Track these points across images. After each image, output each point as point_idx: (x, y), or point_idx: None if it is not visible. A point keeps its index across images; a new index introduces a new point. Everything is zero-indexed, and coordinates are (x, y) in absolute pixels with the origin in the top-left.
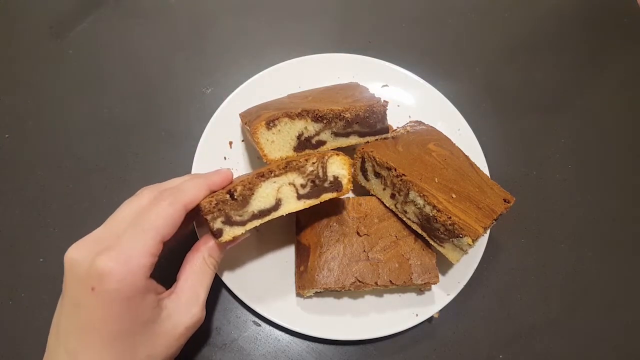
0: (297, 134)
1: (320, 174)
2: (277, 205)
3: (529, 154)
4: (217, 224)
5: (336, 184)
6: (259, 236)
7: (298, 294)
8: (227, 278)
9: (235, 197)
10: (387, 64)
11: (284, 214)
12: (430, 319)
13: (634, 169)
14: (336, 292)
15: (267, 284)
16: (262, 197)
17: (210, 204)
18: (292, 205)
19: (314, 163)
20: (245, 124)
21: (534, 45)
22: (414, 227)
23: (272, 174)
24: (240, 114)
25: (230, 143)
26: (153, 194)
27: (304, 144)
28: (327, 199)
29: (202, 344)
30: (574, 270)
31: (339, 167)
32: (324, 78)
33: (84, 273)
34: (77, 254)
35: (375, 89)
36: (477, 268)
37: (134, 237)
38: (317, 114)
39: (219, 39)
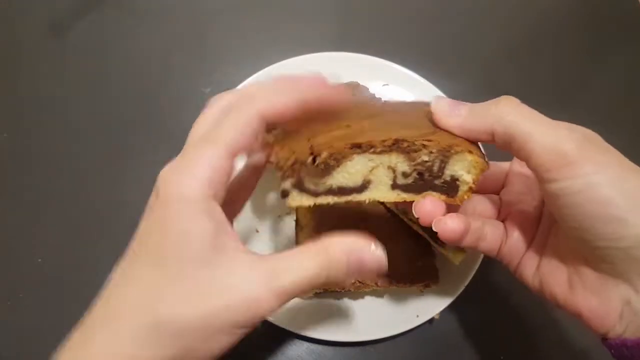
0: None
1: (436, 168)
2: (363, 187)
3: None
4: (286, 184)
5: (450, 187)
6: (257, 236)
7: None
8: None
9: (317, 163)
10: (388, 62)
11: (367, 201)
12: (431, 320)
13: None
14: (336, 293)
15: None
16: (349, 172)
17: (287, 160)
18: (381, 193)
19: (432, 153)
20: None
21: (534, 44)
22: (415, 227)
23: (372, 150)
24: None
25: None
26: (225, 101)
27: None
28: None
29: None
30: None
31: (464, 169)
32: None
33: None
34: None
35: (376, 88)
36: (478, 269)
37: (194, 149)
38: None
39: (219, 39)
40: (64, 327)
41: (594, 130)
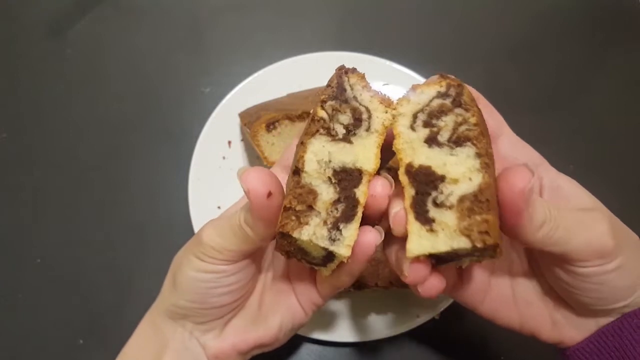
0: None
1: (463, 254)
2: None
3: None
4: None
5: (448, 258)
6: None
7: None
8: None
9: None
10: (388, 62)
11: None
12: (431, 320)
13: (635, 170)
14: (336, 294)
15: None
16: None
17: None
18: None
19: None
20: (245, 124)
21: (534, 44)
22: None
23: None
24: (239, 114)
25: (229, 142)
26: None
27: None
28: None
29: None
30: None
31: (473, 260)
32: (324, 77)
33: None
34: None
35: (376, 88)
36: None
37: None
38: None
39: (218, 38)
40: (63, 326)
41: (593, 131)
